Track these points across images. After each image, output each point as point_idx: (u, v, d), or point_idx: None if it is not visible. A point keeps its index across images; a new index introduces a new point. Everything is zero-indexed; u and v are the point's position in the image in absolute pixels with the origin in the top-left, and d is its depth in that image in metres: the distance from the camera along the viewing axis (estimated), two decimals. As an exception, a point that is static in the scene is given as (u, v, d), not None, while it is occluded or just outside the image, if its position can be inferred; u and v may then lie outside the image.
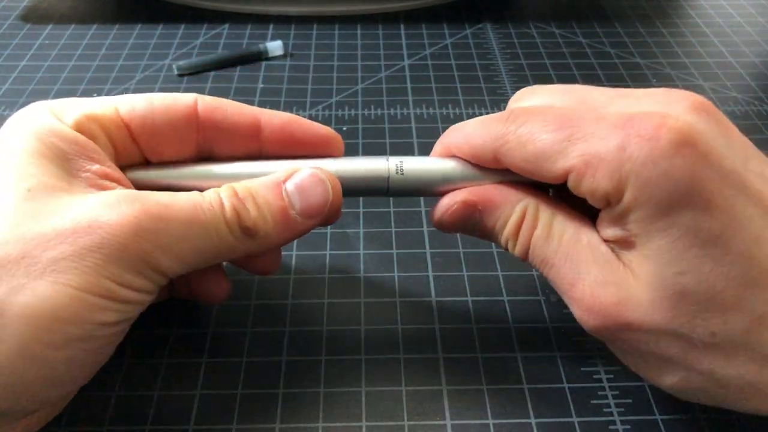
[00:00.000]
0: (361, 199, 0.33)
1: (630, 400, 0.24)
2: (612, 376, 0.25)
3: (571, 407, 0.24)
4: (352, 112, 0.39)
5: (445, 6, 0.50)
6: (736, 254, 0.19)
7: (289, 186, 0.23)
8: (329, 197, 0.23)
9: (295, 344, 0.26)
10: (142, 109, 0.23)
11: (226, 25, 0.47)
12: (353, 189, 0.24)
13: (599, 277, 0.21)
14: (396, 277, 0.29)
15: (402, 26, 0.47)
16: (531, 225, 0.22)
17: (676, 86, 0.41)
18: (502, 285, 0.29)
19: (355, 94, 0.41)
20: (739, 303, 0.19)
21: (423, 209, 0.32)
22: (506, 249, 0.23)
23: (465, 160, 0.24)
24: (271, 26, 0.47)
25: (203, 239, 0.21)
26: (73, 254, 0.19)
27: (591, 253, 0.21)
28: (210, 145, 0.24)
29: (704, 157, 0.19)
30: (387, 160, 0.24)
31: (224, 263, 0.27)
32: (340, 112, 0.39)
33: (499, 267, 0.29)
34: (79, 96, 0.40)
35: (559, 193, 0.24)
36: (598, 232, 0.22)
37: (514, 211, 0.23)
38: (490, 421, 0.24)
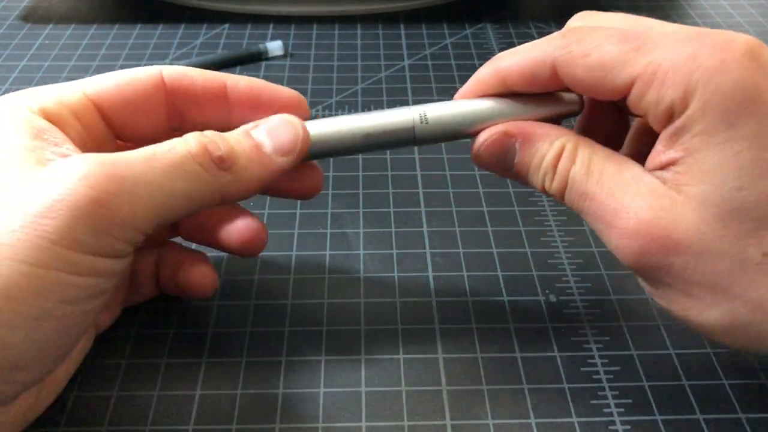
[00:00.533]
0: (361, 199, 0.33)
1: (630, 400, 0.24)
2: (612, 376, 0.25)
3: (571, 407, 0.24)
4: (352, 112, 0.39)
5: (445, 6, 0.50)
6: None
7: (258, 130, 0.23)
8: (299, 133, 0.23)
9: (295, 344, 0.26)
10: (110, 87, 0.23)
11: (226, 25, 0.47)
12: (379, 143, 0.24)
13: (644, 203, 0.20)
14: (396, 277, 0.29)
15: (402, 26, 0.47)
16: (569, 159, 0.22)
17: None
18: (502, 285, 0.29)
19: (355, 94, 0.41)
20: None
21: (423, 209, 0.32)
22: (542, 189, 0.23)
23: (491, 98, 0.24)
24: (271, 26, 0.47)
25: (172, 180, 0.20)
26: (25, 226, 0.18)
27: (635, 184, 0.21)
28: (180, 114, 0.24)
29: None
30: (410, 110, 0.24)
31: (223, 254, 0.27)
32: (340, 112, 0.39)
33: (499, 267, 0.29)
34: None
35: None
36: (642, 167, 0.21)
37: (553, 145, 0.22)
38: (490, 421, 0.24)
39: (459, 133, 0.24)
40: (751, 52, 0.19)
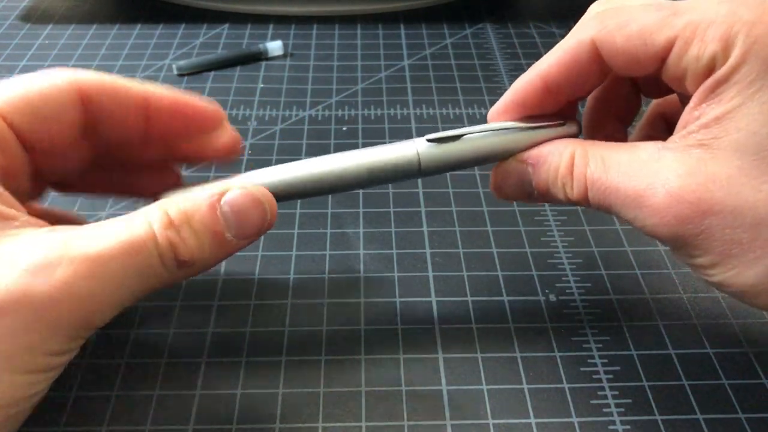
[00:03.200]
0: (361, 199, 0.33)
1: (630, 400, 0.24)
2: (612, 376, 0.25)
3: (571, 407, 0.24)
4: (352, 112, 0.39)
5: (445, 6, 0.50)
6: None
7: (225, 207, 0.21)
8: (267, 217, 0.22)
9: (295, 344, 0.26)
10: (17, 98, 0.22)
11: (226, 25, 0.47)
12: (383, 179, 0.24)
13: (669, 174, 0.20)
14: (396, 277, 0.29)
15: (402, 26, 0.47)
16: (583, 162, 0.22)
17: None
18: (502, 285, 0.29)
19: (355, 94, 0.41)
20: None
21: (423, 209, 0.32)
22: (566, 199, 0.23)
23: (493, 132, 0.24)
24: (271, 26, 0.47)
25: (137, 281, 0.20)
26: (4, 335, 0.18)
27: (655, 160, 0.21)
28: (94, 125, 0.23)
29: None
30: (414, 143, 0.24)
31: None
32: (340, 112, 0.39)
33: (499, 267, 0.29)
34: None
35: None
36: (657, 142, 0.22)
37: (563, 156, 0.23)
38: (491, 421, 0.24)
39: (464, 165, 0.25)
40: None
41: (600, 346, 0.26)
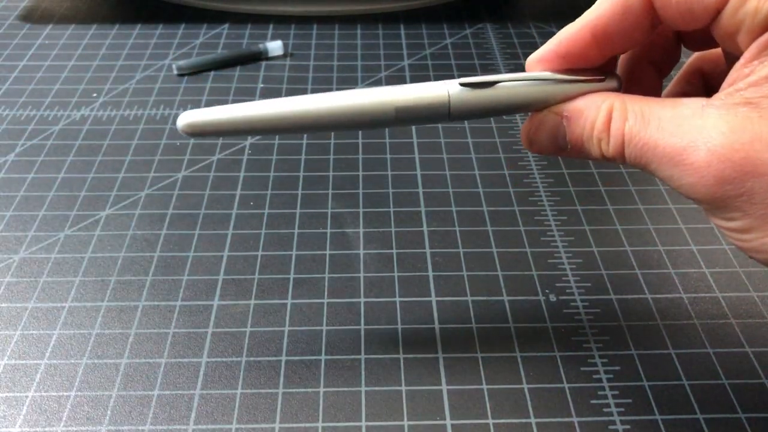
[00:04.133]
0: (361, 199, 0.33)
1: (630, 400, 0.24)
2: (612, 376, 0.25)
3: (571, 407, 0.24)
4: (352, 112, 0.39)
5: (445, 6, 0.50)
6: None
7: None
8: None
9: (295, 344, 0.26)
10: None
11: (226, 25, 0.47)
12: (409, 120, 0.23)
13: (713, 132, 0.19)
14: (396, 277, 0.29)
15: (402, 26, 0.47)
16: (621, 117, 0.22)
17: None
18: (502, 285, 0.29)
19: (355, 94, 0.41)
20: None
21: (423, 209, 0.32)
22: (600, 156, 0.22)
23: (530, 81, 0.24)
24: (271, 26, 0.47)
25: None
26: None
27: (698, 117, 0.20)
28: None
29: None
30: (445, 84, 0.23)
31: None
32: (340, 112, 0.39)
33: (499, 267, 0.29)
34: (78, 96, 0.40)
35: None
36: (701, 98, 0.21)
37: (600, 109, 0.22)
38: (490, 421, 0.24)
39: (495, 113, 0.24)
40: None
41: (600, 345, 0.26)
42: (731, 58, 0.21)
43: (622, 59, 0.26)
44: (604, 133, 0.22)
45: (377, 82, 0.42)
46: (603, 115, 0.22)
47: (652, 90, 0.25)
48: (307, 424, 0.24)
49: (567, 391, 0.25)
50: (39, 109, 0.39)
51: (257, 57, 0.44)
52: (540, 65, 0.24)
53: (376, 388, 0.25)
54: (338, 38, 0.46)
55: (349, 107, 0.23)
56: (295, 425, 0.23)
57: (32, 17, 0.48)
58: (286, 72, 0.43)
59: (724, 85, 0.21)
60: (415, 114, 0.23)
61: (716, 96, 0.20)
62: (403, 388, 0.25)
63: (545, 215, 0.32)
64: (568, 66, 0.24)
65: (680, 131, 0.20)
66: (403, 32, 0.47)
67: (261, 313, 0.27)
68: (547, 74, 0.24)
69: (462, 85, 0.23)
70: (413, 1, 0.50)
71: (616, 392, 0.25)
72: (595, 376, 0.25)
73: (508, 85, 0.23)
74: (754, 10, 0.19)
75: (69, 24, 0.47)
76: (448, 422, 0.24)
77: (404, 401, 0.24)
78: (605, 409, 0.24)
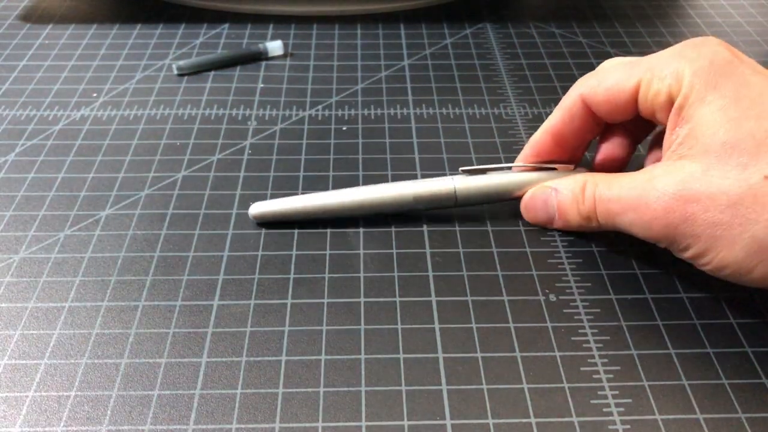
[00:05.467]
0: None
1: (630, 400, 0.24)
2: (612, 376, 0.25)
3: (571, 407, 0.24)
4: (352, 112, 0.39)
5: (445, 6, 0.50)
6: None
7: None
8: None
9: (295, 344, 0.26)
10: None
11: (226, 25, 0.47)
12: (424, 205, 0.31)
13: (659, 181, 0.25)
14: (396, 277, 0.29)
15: (402, 26, 0.47)
16: (593, 184, 0.28)
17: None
18: (502, 285, 0.29)
19: (355, 94, 0.41)
20: None
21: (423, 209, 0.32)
22: (578, 217, 0.29)
23: (517, 173, 0.31)
24: (271, 26, 0.47)
25: None
26: None
27: (647, 176, 0.26)
28: None
29: (739, 56, 0.26)
30: (452, 180, 0.31)
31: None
32: (340, 112, 0.39)
33: (499, 267, 0.29)
34: (78, 96, 0.40)
35: None
36: (649, 167, 0.27)
37: (577, 180, 0.29)
38: (490, 421, 0.24)
39: (491, 198, 0.31)
40: (722, 42, 0.26)
41: (600, 346, 0.26)
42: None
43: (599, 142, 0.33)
44: (581, 194, 0.29)
45: (377, 82, 0.42)
46: (580, 183, 0.29)
47: (625, 149, 0.31)
48: (307, 424, 0.24)
49: (567, 391, 0.25)
50: (39, 109, 0.39)
51: (257, 57, 0.44)
52: (523, 162, 0.32)
53: (376, 388, 0.25)
54: (338, 38, 0.46)
55: (379, 199, 0.31)
56: (295, 425, 0.23)
57: (32, 17, 0.48)
58: (286, 72, 0.43)
59: (663, 150, 0.27)
60: (429, 200, 0.31)
61: (666, 153, 0.27)
62: (403, 388, 0.25)
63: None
64: (544, 160, 0.31)
65: (636, 187, 0.26)
66: (403, 32, 0.47)
67: (261, 313, 0.27)
68: (528, 165, 0.31)
69: (462, 170, 0.31)
70: (413, 1, 0.50)
71: (616, 392, 0.25)
72: (595, 376, 0.25)
73: (499, 173, 0.31)
74: (656, 93, 0.27)
75: (69, 24, 0.47)
76: (448, 422, 0.24)
77: (404, 401, 0.24)
78: (605, 409, 0.24)
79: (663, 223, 0.25)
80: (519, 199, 0.31)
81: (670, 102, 0.26)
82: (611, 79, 0.28)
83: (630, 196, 0.26)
